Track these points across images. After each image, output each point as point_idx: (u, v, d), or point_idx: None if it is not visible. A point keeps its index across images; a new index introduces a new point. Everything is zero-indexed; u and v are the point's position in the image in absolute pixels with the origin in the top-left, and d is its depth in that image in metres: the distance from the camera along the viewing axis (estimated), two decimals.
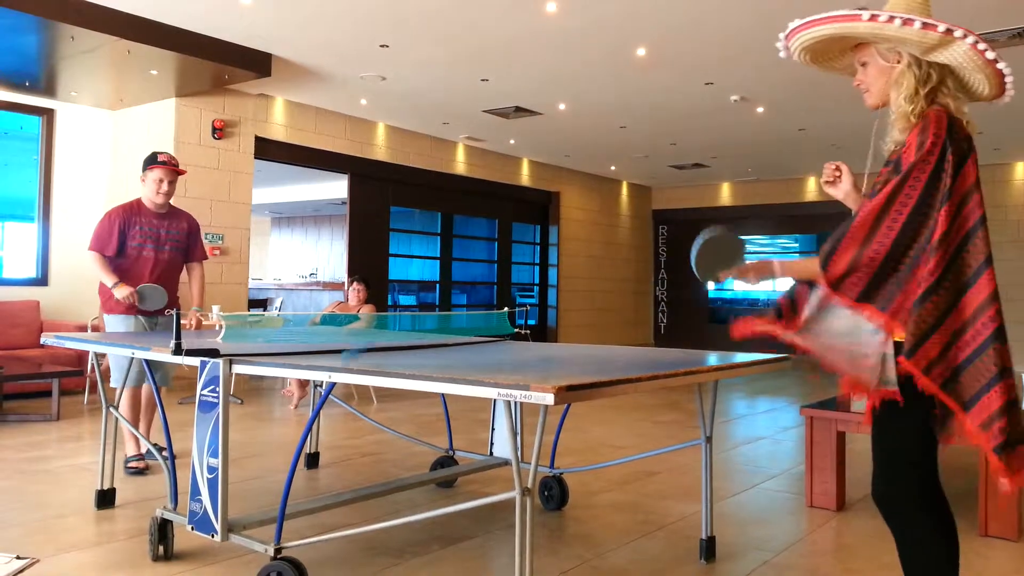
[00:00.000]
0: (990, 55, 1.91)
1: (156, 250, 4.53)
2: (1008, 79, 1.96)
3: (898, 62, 1.98)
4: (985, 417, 1.84)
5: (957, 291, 1.88)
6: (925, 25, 1.88)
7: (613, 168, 13.07)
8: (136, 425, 4.40)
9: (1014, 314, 7.06)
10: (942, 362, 1.86)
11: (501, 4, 5.81)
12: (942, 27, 1.88)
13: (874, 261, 1.89)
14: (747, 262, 2.18)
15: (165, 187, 4.51)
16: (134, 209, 4.55)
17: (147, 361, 3.77)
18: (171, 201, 4.65)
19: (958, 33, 1.88)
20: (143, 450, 4.37)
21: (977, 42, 1.89)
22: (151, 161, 4.55)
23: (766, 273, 2.13)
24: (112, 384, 4.34)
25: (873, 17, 1.91)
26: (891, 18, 1.89)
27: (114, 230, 4.44)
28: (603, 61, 7.12)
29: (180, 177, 4.63)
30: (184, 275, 4.78)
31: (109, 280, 4.38)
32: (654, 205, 15.19)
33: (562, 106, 8.79)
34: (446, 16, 6.06)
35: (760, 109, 8.73)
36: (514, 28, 6.30)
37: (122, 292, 4.33)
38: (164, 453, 3.28)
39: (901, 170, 1.89)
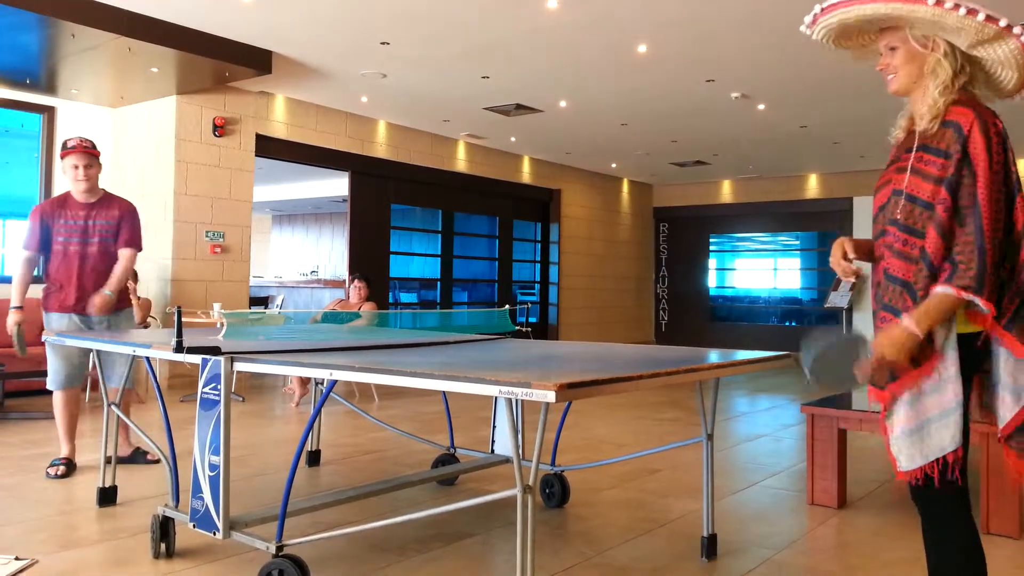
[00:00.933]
0: None
1: (82, 243, 4.26)
2: None
3: (932, 50, 1.92)
4: None
5: None
6: (988, 17, 1.83)
7: (614, 165, 13.06)
8: (73, 428, 4.33)
9: None
10: None
11: (502, 1, 5.80)
12: (1003, 21, 1.83)
13: (988, 254, 1.80)
14: (870, 353, 1.88)
15: (81, 172, 4.22)
16: (61, 202, 4.29)
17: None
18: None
19: (1016, 30, 1.84)
20: (74, 455, 4.33)
21: None
22: (62, 148, 4.30)
23: (903, 344, 1.83)
24: (48, 386, 4.31)
25: (938, 3, 1.84)
26: (956, 6, 1.82)
27: (36, 226, 4.23)
28: (604, 58, 7.11)
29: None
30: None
31: (13, 299, 4.22)
32: (655, 202, 15.18)
33: (563, 103, 8.79)
34: (446, 13, 6.06)
35: (761, 106, 8.72)
36: (515, 25, 6.30)
37: (9, 319, 4.23)
38: (165, 451, 3.28)
39: (970, 156, 1.83)
